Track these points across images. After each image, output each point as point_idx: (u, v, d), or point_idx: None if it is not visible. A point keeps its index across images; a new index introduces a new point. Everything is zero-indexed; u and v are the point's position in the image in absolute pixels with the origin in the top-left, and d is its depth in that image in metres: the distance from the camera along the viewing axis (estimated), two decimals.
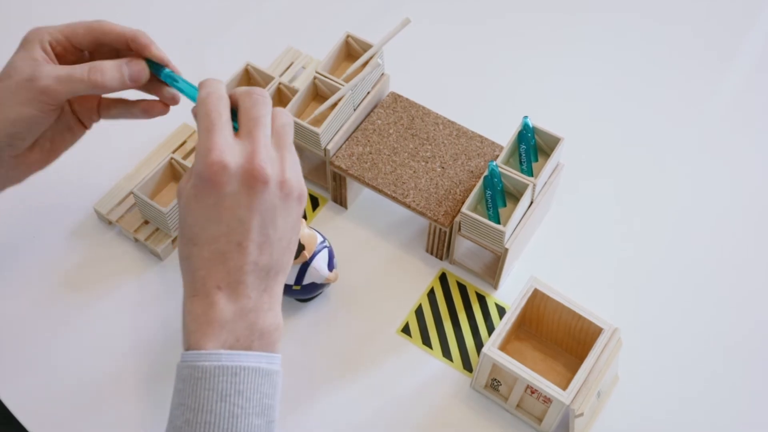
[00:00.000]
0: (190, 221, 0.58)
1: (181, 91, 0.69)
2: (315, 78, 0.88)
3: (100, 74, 0.67)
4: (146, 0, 1.10)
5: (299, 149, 0.92)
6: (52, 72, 0.67)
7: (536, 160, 0.85)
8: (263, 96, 0.60)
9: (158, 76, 0.70)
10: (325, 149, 0.86)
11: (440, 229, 0.84)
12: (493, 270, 0.87)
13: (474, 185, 0.85)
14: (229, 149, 0.57)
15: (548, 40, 1.09)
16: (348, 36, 0.90)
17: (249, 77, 0.95)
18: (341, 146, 0.88)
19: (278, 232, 0.59)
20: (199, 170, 0.57)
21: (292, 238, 0.61)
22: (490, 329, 0.85)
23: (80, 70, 0.67)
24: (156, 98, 0.73)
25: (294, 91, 0.91)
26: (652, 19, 1.11)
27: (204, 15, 1.10)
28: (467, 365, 0.82)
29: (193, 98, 0.67)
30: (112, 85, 0.67)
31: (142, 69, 0.69)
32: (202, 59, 1.05)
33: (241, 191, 0.57)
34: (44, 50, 0.68)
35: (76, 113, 0.74)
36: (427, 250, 0.89)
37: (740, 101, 1.04)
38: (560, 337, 0.81)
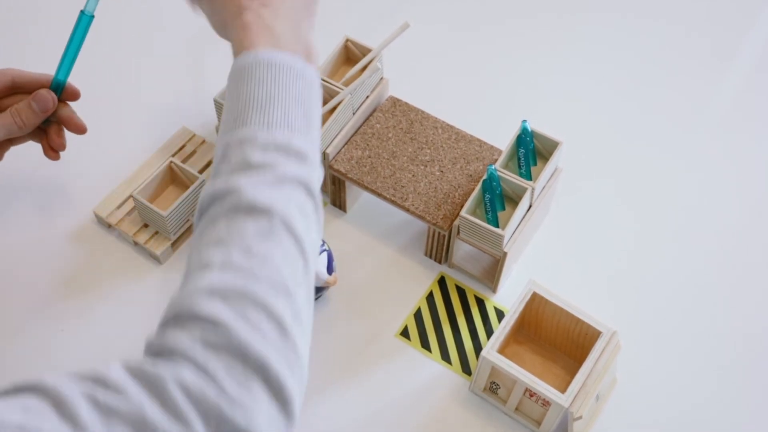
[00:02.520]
0: None
1: (62, 73, 0.74)
2: None
3: (21, 116, 0.74)
4: (147, 4, 1.11)
5: None
6: None
7: (535, 164, 0.85)
8: None
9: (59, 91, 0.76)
10: (324, 153, 0.87)
11: (439, 233, 0.85)
12: (492, 273, 0.87)
13: (473, 189, 0.85)
14: None
15: (547, 42, 1.09)
16: (347, 40, 0.91)
17: None
18: (340, 150, 0.88)
19: None
20: None
21: None
22: (489, 333, 0.85)
23: (7, 116, 0.74)
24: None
25: None
26: (652, 20, 1.12)
27: (204, 20, 1.10)
28: (466, 368, 0.83)
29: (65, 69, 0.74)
30: (31, 122, 0.75)
31: (45, 98, 0.75)
32: (202, 63, 1.06)
33: None
34: None
35: None
36: (426, 254, 0.89)
37: (740, 102, 1.04)
38: (559, 340, 0.81)
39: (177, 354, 0.48)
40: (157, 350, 0.50)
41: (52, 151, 0.79)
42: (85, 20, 0.70)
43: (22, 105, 0.75)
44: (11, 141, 0.78)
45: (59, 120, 0.78)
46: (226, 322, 0.49)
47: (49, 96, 0.75)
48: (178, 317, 0.51)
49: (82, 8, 0.70)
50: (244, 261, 0.52)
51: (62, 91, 0.76)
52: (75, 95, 0.77)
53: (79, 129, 0.78)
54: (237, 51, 0.61)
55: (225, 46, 1.12)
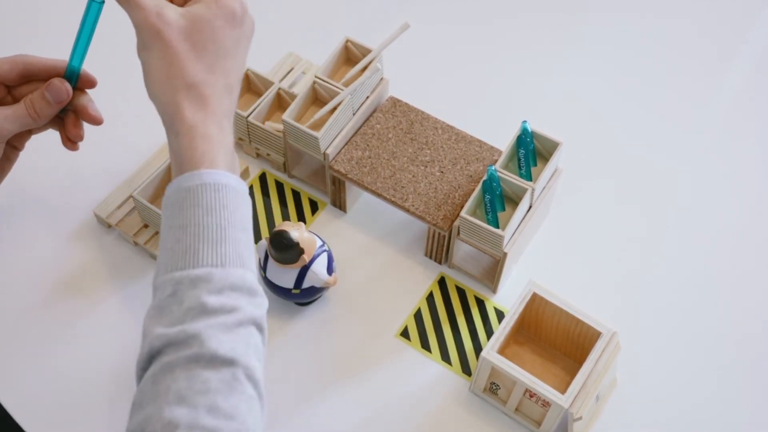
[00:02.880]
0: (213, 49, 0.62)
1: (76, 60, 0.72)
2: (314, 82, 0.89)
3: (35, 108, 0.72)
4: None
5: (299, 154, 0.93)
6: None
7: (535, 165, 0.85)
8: None
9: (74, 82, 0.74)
10: (324, 153, 0.87)
11: (439, 234, 0.85)
12: (492, 274, 0.87)
13: (473, 189, 0.85)
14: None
15: (547, 43, 1.09)
16: (347, 41, 0.91)
17: (249, 82, 0.96)
18: (340, 150, 0.88)
19: (229, 50, 0.65)
20: (230, 6, 0.63)
21: (242, 51, 0.66)
22: (489, 333, 0.85)
23: (21, 107, 0.71)
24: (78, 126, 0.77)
25: (293, 97, 0.91)
26: (652, 20, 1.12)
27: None
28: (466, 369, 0.83)
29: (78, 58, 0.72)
30: (45, 113, 0.72)
31: (59, 88, 0.72)
32: None
33: (246, 31, 0.65)
34: None
35: (10, 141, 0.76)
36: (426, 254, 0.89)
37: (741, 102, 1.04)
38: (559, 340, 0.81)
39: None
40: None
41: (70, 141, 0.76)
42: (94, 8, 0.68)
43: (36, 95, 0.72)
44: (30, 131, 0.76)
45: (75, 109, 0.74)
46: None
47: (63, 86, 0.71)
48: None
49: None
50: (211, 421, 0.52)
51: (77, 79, 0.73)
52: (91, 83, 0.74)
53: (95, 120, 0.75)
54: (179, 165, 0.60)
55: None
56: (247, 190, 0.61)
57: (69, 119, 0.75)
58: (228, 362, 0.54)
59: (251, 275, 0.58)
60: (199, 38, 0.62)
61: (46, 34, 1.05)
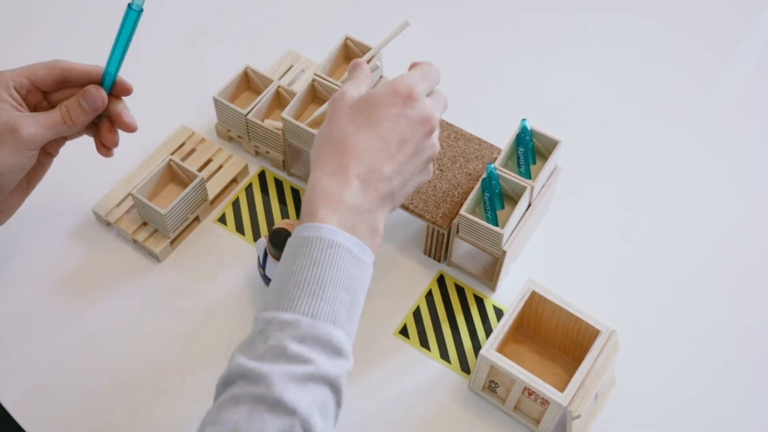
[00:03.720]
0: (367, 114, 0.66)
1: (113, 67, 0.71)
2: (313, 80, 0.89)
3: (70, 115, 0.71)
4: (146, 3, 1.10)
5: (298, 152, 0.93)
6: (31, 120, 0.70)
7: (534, 163, 0.85)
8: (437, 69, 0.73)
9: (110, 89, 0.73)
10: None
11: (438, 232, 0.85)
12: (491, 272, 0.87)
13: (472, 188, 0.85)
14: (420, 86, 0.68)
15: (547, 42, 1.09)
16: (347, 39, 0.91)
17: (248, 80, 0.96)
18: None
19: (414, 172, 0.68)
20: (399, 86, 0.67)
21: (415, 183, 0.69)
22: (488, 331, 0.85)
23: (57, 114, 0.71)
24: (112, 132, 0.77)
25: (293, 94, 0.91)
26: (652, 21, 1.12)
27: (204, 18, 1.10)
28: (465, 367, 0.83)
29: (113, 68, 0.72)
30: (81, 120, 0.72)
31: (95, 96, 0.72)
32: (201, 62, 1.06)
33: (414, 120, 0.67)
34: (12, 97, 0.71)
35: (45, 147, 0.76)
36: (425, 252, 0.89)
37: (741, 102, 1.04)
38: (558, 339, 0.81)
39: None
40: None
41: (104, 147, 0.77)
42: (132, 15, 0.68)
43: (72, 102, 0.72)
44: (65, 137, 0.76)
45: (109, 116, 0.74)
46: None
47: (99, 93, 0.71)
48: None
49: (129, 2, 0.68)
50: None
51: (113, 86, 0.72)
52: (127, 90, 0.74)
53: (129, 127, 0.75)
54: (305, 215, 0.63)
55: (224, 47, 1.12)
56: (369, 260, 0.63)
57: (104, 126, 0.75)
58: (290, 411, 0.55)
59: (341, 335, 0.59)
60: (358, 108, 0.66)
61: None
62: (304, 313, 0.58)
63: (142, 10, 0.68)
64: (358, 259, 0.62)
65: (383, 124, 0.65)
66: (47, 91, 0.74)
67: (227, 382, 0.58)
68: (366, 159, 0.64)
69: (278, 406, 0.55)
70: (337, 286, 0.60)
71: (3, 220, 0.76)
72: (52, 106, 0.74)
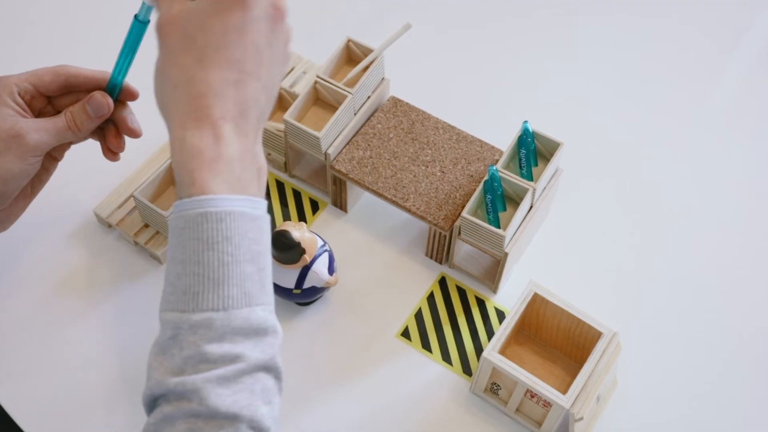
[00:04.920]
0: (203, 40, 0.54)
1: (119, 74, 0.71)
2: (316, 82, 0.89)
3: (76, 121, 0.70)
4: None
5: (300, 154, 0.93)
6: (35, 126, 0.69)
7: (536, 165, 0.85)
8: None
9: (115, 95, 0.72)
10: (325, 153, 0.86)
11: (440, 233, 0.85)
12: (493, 274, 0.87)
13: (474, 189, 0.85)
14: None
15: (548, 43, 1.09)
16: (349, 40, 0.91)
17: None
18: (342, 150, 0.88)
19: (276, 76, 0.58)
20: None
21: (280, 79, 0.59)
22: (490, 333, 0.85)
23: (62, 120, 0.70)
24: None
25: (294, 96, 0.91)
26: (654, 21, 1.12)
27: None
28: (467, 369, 0.82)
29: (119, 74, 0.70)
30: (86, 127, 0.71)
31: (101, 103, 0.70)
32: None
33: (263, 20, 0.56)
34: (16, 102, 0.69)
35: (50, 152, 0.75)
36: (426, 254, 0.89)
37: (741, 102, 1.04)
38: (560, 341, 0.81)
39: None
40: None
41: (110, 152, 0.75)
42: (137, 26, 0.67)
43: (77, 108, 0.70)
44: (70, 142, 0.75)
45: (115, 121, 0.73)
46: None
47: (105, 100, 0.70)
48: None
49: (136, 13, 0.67)
50: None
51: (119, 92, 0.72)
52: (133, 96, 0.73)
53: (133, 133, 0.73)
54: (181, 185, 0.54)
55: None
56: (260, 209, 0.55)
57: (110, 131, 0.74)
58: (230, 418, 0.51)
59: (260, 311, 0.53)
60: (190, 30, 0.55)
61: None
62: (214, 308, 0.52)
63: (148, 22, 0.67)
64: (253, 218, 0.54)
65: (227, 44, 0.54)
66: (52, 96, 0.73)
67: (153, 399, 0.53)
68: (226, 95, 0.54)
69: (216, 418, 0.50)
70: (240, 261, 0.52)
71: (6, 226, 0.76)
72: (56, 111, 0.73)
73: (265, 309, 0.54)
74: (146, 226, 0.89)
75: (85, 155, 0.84)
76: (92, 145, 0.81)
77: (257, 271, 0.54)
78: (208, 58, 0.55)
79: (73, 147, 0.80)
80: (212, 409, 0.51)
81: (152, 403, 0.53)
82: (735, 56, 1.09)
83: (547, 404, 0.74)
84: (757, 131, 1.02)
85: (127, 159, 0.94)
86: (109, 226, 0.90)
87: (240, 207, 0.53)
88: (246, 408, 0.52)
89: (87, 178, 0.93)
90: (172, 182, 0.90)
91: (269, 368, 0.54)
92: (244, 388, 0.52)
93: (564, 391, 0.73)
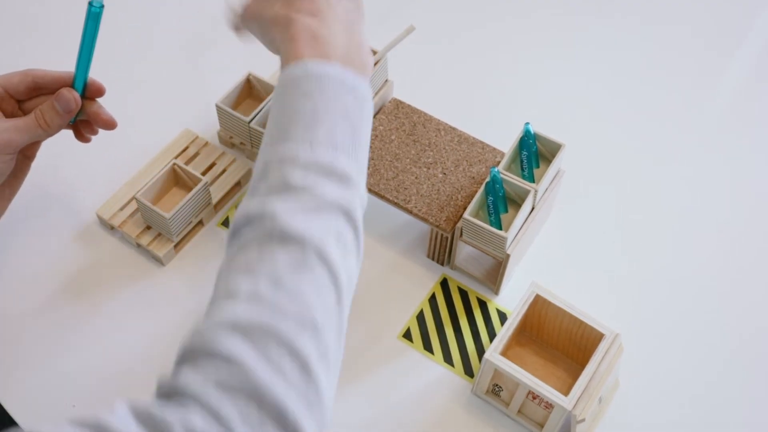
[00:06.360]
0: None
1: (81, 69, 0.71)
2: None
3: (45, 119, 0.71)
4: (148, 10, 1.11)
5: None
6: (6, 125, 0.70)
7: (537, 166, 0.85)
8: None
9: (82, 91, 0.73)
10: None
11: (442, 235, 0.85)
12: (495, 275, 0.87)
13: (475, 191, 0.85)
14: None
15: (549, 45, 1.09)
16: None
17: (251, 87, 0.96)
18: None
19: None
20: None
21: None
22: (492, 335, 0.85)
23: (31, 118, 0.71)
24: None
25: None
26: (655, 23, 1.12)
27: (205, 24, 1.11)
28: (468, 371, 0.83)
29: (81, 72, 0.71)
30: (56, 123, 0.72)
31: (68, 98, 0.71)
32: (203, 69, 1.06)
33: None
34: None
35: (22, 151, 0.76)
36: (428, 256, 0.89)
37: (742, 105, 1.05)
38: (561, 342, 0.81)
39: (188, 396, 0.45)
40: (168, 392, 0.46)
41: (83, 136, 0.77)
42: (93, 13, 0.67)
43: (46, 106, 0.72)
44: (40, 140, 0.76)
45: (88, 117, 0.75)
46: (243, 361, 0.46)
47: (71, 95, 0.72)
48: (193, 354, 0.48)
49: (89, 1, 0.67)
50: (272, 293, 0.49)
51: (85, 88, 0.73)
52: (99, 91, 0.75)
53: (108, 124, 0.75)
54: (284, 62, 0.59)
55: (226, 54, 1.12)
56: (365, 88, 0.59)
57: (81, 125, 0.76)
58: (297, 240, 0.50)
59: (345, 160, 0.55)
60: None
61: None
62: (301, 140, 0.54)
63: (102, 7, 0.67)
64: (353, 88, 0.57)
65: None
66: (21, 99, 0.74)
67: (233, 235, 0.53)
68: (335, 30, 0.61)
69: (287, 238, 0.50)
70: (333, 113, 0.55)
71: None
72: (26, 113, 0.74)
73: (352, 162, 0.56)
74: (148, 227, 0.89)
75: (86, 157, 0.84)
76: (94, 148, 0.81)
77: (350, 129, 0.56)
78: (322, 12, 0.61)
79: (75, 150, 0.80)
80: (282, 228, 0.51)
81: (231, 239, 0.54)
82: (735, 58, 1.09)
83: (549, 406, 0.74)
84: (757, 133, 1.02)
85: (129, 161, 0.94)
86: (111, 227, 0.90)
87: (340, 74, 0.57)
88: (316, 236, 0.51)
89: (89, 180, 0.93)
90: (173, 184, 0.91)
91: (349, 215, 0.54)
92: (319, 220, 0.52)
93: (566, 393, 0.73)
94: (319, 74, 0.56)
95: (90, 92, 0.74)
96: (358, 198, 0.56)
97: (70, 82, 0.73)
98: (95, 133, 0.77)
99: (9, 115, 0.74)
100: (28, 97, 0.74)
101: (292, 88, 0.56)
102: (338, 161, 0.54)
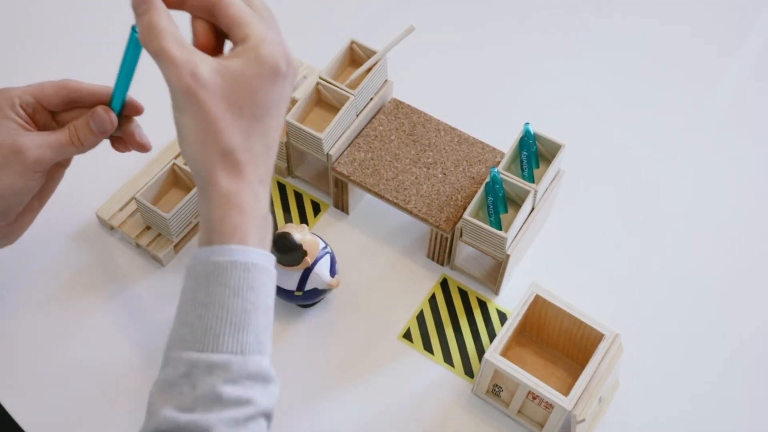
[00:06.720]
0: (251, 110, 0.56)
1: (120, 88, 0.68)
2: (318, 84, 0.89)
3: (79, 136, 0.68)
4: None
5: (302, 154, 0.93)
6: (37, 140, 0.67)
7: (537, 167, 0.85)
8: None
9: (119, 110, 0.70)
10: (327, 155, 0.87)
11: (441, 235, 0.85)
12: (494, 276, 0.87)
13: (475, 191, 0.85)
14: (286, 47, 0.57)
15: (550, 45, 1.09)
16: (352, 42, 0.91)
17: None
18: (343, 152, 0.88)
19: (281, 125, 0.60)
20: (272, 61, 0.56)
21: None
22: (492, 335, 0.85)
23: (64, 134, 0.68)
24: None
25: (294, 101, 0.91)
26: (656, 24, 1.12)
27: None
28: (468, 371, 0.83)
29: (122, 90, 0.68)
30: (89, 142, 0.69)
31: (104, 119, 0.68)
32: None
33: (288, 85, 0.58)
34: (18, 114, 0.68)
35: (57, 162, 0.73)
36: (428, 256, 0.89)
37: (743, 105, 1.05)
38: (561, 342, 0.81)
39: None
40: None
41: (120, 147, 0.73)
42: (135, 38, 0.64)
43: (81, 123, 0.68)
44: None
45: (123, 135, 0.72)
46: None
47: (108, 116, 0.68)
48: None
49: (133, 24, 0.63)
50: None
51: (123, 106, 0.69)
52: (137, 110, 0.71)
53: (142, 148, 0.72)
54: (208, 233, 0.56)
55: (226, 48, 1.11)
56: (273, 267, 0.58)
57: (116, 141, 0.73)
58: None
59: (267, 361, 0.56)
60: (237, 99, 0.56)
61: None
62: (233, 351, 0.54)
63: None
64: (269, 272, 0.57)
65: (271, 114, 0.57)
66: (55, 111, 0.71)
67: None
68: (263, 160, 0.57)
69: None
70: (259, 311, 0.55)
71: (13, 240, 0.74)
72: (60, 126, 0.71)
73: (269, 359, 0.57)
74: (148, 228, 0.89)
75: (86, 157, 0.84)
76: (94, 148, 0.81)
77: (267, 323, 0.57)
78: (253, 129, 0.56)
79: None
80: None
81: None
82: (735, 58, 1.09)
83: (549, 406, 0.74)
84: (757, 133, 1.02)
85: (128, 162, 0.94)
86: (111, 227, 0.90)
87: (263, 261, 0.56)
88: None
89: (89, 180, 0.93)
90: (173, 184, 0.91)
91: (269, 415, 0.56)
92: (247, 430, 0.53)
93: (566, 393, 0.73)
94: (247, 266, 0.55)
95: (127, 110, 0.71)
96: (277, 390, 0.57)
97: (107, 98, 0.70)
98: (129, 150, 0.73)
99: (42, 127, 0.70)
100: (63, 109, 0.71)
101: (218, 278, 0.55)
102: (263, 365, 0.55)
